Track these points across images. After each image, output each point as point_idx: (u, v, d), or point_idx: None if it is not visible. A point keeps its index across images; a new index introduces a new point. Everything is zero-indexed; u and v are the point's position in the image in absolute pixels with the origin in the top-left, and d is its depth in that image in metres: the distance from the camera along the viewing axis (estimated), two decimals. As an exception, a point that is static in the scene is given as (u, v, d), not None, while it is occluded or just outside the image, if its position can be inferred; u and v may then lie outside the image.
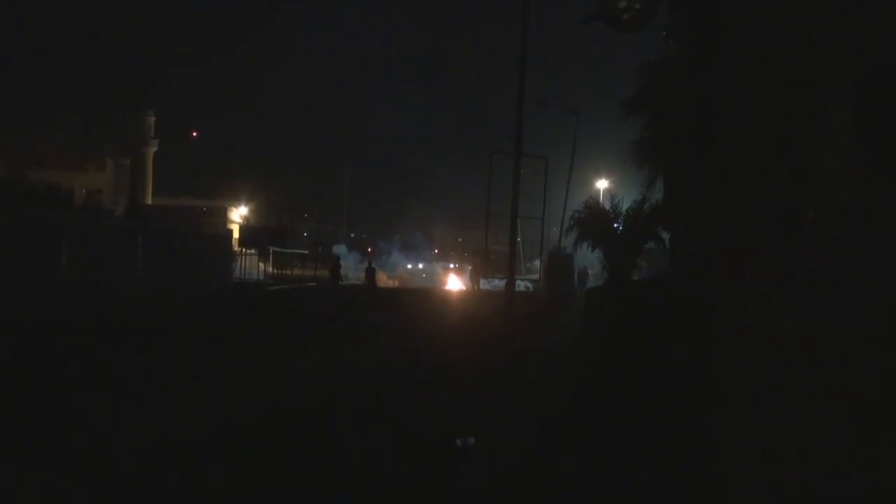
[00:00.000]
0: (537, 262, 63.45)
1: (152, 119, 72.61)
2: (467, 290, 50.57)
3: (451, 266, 73.33)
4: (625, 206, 26.99)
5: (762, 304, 5.03)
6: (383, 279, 61.58)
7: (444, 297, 41.42)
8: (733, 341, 5.35)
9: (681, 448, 7.07)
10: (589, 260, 35.52)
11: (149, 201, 69.01)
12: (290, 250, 55.43)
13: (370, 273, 36.29)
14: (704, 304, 6.33)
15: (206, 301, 28.73)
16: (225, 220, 68.62)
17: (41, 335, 16.25)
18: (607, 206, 27.96)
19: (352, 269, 52.28)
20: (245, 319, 22.40)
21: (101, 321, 19.40)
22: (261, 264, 53.31)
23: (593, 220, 27.14)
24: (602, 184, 56.83)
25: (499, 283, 49.70)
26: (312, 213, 77.69)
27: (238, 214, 73.83)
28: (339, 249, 60.71)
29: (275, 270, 54.78)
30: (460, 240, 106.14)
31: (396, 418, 10.02)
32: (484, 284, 48.27)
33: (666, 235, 24.44)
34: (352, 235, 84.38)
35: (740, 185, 5.17)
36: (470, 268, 51.44)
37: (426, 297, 38.78)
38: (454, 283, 61.35)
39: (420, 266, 75.14)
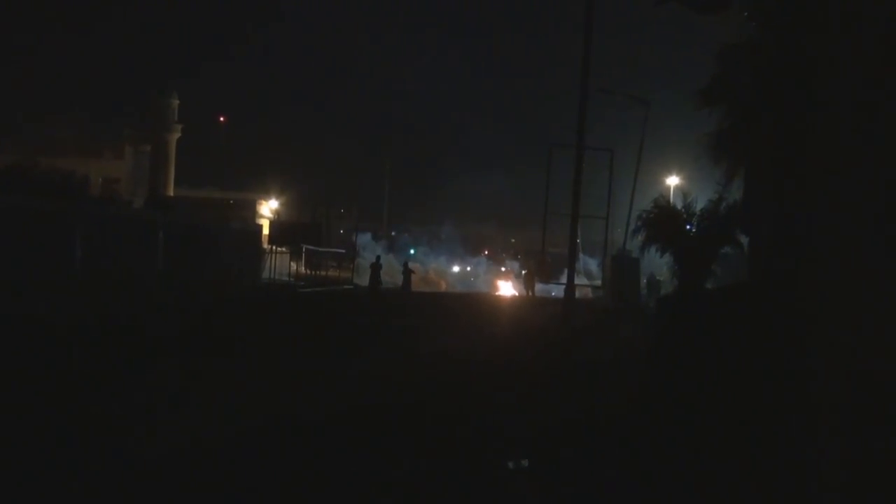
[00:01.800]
0: (591, 263, 63.19)
1: (176, 102, 73.17)
2: (521, 296, 50.48)
3: (503, 269, 73.33)
4: (698, 205, 27.12)
5: (869, 321, 4.90)
6: (432, 281, 61.77)
7: (495, 304, 41.33)
8: (833, 361, 5.23)
9: (772, 479, 6.94)
10: (657, 265, 35.26)
11: (170, 192, 69.69)
12: (324, 249, 55.49)
13: (406, 275, 36.46)
14: (800, 318, 6.20)
15: (234, 304, 28.92)
16: (254, 214, 69.12)
17: (43, 342, 16.24)
18: (679, 205, 28.38)
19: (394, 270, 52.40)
20: (277, 327, 22.39)
21: (111, 327, 19.54)
22: (292, 264, 53.51)
23: (663, 221, 27.62)
24: (673, 181, 56.34)
25: (556, 289, 49.64)
26: (349, 208, 77.79)
27: (268, 209, 74.24)
28: (363, 240, 60.76)
29: (308, 271, 54.97)
30: (513, 240, 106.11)
31: (446, 439, 10.07)
32: (540, 290, 48.12)
33: (745, 239, 24.39)
34: (392, 233, 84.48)
35: (846, 183, 5.05)
36: (524, 271, 51.31)
37: (475, 304, 38.72)
38: (506, 289, 61.37)
39: (468, 269, 75.15)
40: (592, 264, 63.99)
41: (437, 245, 76.57)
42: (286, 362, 15.70)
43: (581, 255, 57.20)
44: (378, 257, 38.65)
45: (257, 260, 43.78)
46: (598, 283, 46.03)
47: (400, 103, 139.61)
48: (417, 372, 15.03)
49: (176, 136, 73.44)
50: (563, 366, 16.90)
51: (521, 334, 24.92)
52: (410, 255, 68.01)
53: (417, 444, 9.70)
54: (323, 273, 55.05)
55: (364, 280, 51.82)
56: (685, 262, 26.70)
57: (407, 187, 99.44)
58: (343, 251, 58.22)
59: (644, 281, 38.01)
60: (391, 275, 38.91)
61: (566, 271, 28.42)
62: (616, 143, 39.43)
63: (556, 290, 53.02)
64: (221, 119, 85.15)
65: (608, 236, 36.66)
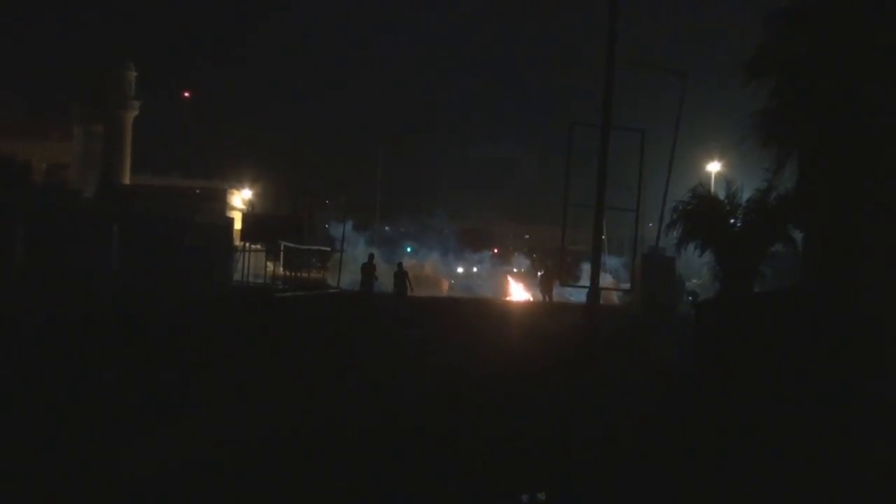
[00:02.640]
0: (616, 262, 63.12)
1: (133, 74, 72.87)
2: (536, 301, 50.28)
3: (515, 270, 73.20)
4: (744, 195, 26.94)
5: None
6: (430, 281, 61.44)
7: (507, 311, 41.17)
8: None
9: None
10: (695, 266, 35.13)
11: (126, 180, 69.56)
12: (306, 246, 55.24)
13: (399, 277, 36.16)
14: (870, 333, 6.12)
15: (199, 310, 28.78)
16: (224, 205, 69.06)
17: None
18: (721, 195, 28.19)
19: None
20: (249, 342, 21.88)
21: (51, 335, 19.37)
22: (269, 264, 53.43)
23: (703, 214, 27.43)
24: (714, 167, 56.40)
25: (575, 293, 49.30)
26: (336, 199, 77.11)
27: (241, 199, 74.15)
28: (340, 232, 60.34)
29: (287, 272, 54.88)
30: (527, 237, 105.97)
31: (459, 466, 10.26)
32: (557, 294, 47.80)
33: (799, 235, 24.31)
34: (386, 229, 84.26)
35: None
36: (540, 273, 50.95)
37: (484, 311, 38.63)
38: (519, 293, 61.24)
39: (474, 269, 75.02)
40: (618, 264, 63.93)
41: (436, 241, 76.16)
42: (255, 392, 15.01)
43: (605, 255, 57.05)
44: (371, 255, 38.24)
45: (228, 258, 43.75)
46: (626, 286, 45.72)
47: (394, 78, 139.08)
48: (426, 399, 15.08)
49: (133, 114, 73.07)
50: (586, 389, 16.70)
51: (540, 349, 24.75)
52: (407, 253, 67.67)
53: (428, 476, 9.86)
54: (305, 274, 55.01)
55: (347, 280, 51.81)
56: (728, 262, 26.55)
57: (402, 176, 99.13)
58: (328, 249, 57.90)
59: (685, 284, 37.64)
60: (386, 276, 38.55)
61: (589, 272, 28.09)
62: (648, 124, 38.81)
63: (576, 294, 52.93)
64: (185, 95, 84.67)
65: (638, 232, 36.31)
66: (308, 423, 12.41)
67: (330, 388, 15.55)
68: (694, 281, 38.69)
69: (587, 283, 29.09)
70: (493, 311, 39.56)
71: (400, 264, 37.36)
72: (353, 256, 56.05)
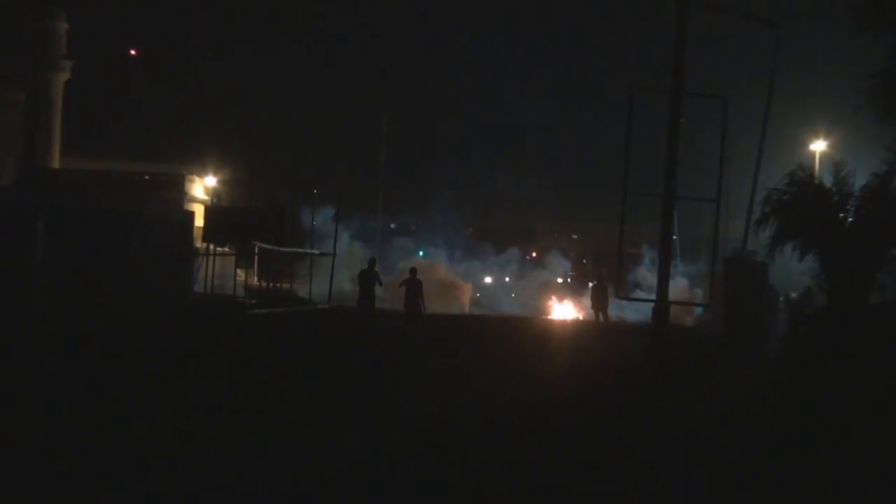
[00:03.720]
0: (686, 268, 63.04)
1: (63, 27, 72.74)
2: (587, 319, 50.16)
3: (560, 281, 73.08)
4: (857, 182, 26.53)
5: None
6: (448, 288, 61.14)
7: (548, 336, 40.94)
8: None
9: None
10: (793, 274, 34.77)
11: (55, 163, 69.51)
12: (289, 249, 54.80)
13: (411, 287, 35.59)
14: None
15: (145, 334, 28.67)
16: (182, 196, 68.87)
17: None
18: (827, 181, 27.83)
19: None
20: (207, 384, 21.04)
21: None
22: (240, 272, 53.36)
23: (804, 206, 27.17)
24: (818, 146, 55.87)
25: (628, 308, 50.00)
26: (330, 188, 74.81)
27: (203, 188, 74.02)
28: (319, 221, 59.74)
29: (262, 282, 54.74)
30: (575, 236, 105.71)
31: None
32: (615, 309, 47.69)
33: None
34: (392, 226, 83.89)
35: None
36: (592, 284, 50.76)
37: (516, 335, 38.39)
38: (564, 310, 61.17)
39: (507, 279, 74.90)
40: (691, 272, 64.14)
41: (453, 240, 75.46)
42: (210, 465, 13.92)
43: (675, 260, 56.88)
44: (373, 261, 37.44)
45: (186, 264, 43.66)
46: (701, 300, 45.52)
47: (403, 36, 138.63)
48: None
49: (63, 77, 72.66)
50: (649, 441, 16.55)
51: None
52: (420, 257, 67.53)
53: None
54: (286, 285, 54.67)
55: (322, 291, 51.83)
56: (837, 268, 26.02)
57: (408, 157, 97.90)
58: (316, 252, 57.09)
59: (780, 297, 37.13)
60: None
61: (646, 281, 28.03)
62: (732, 90, 38.15)
63: (633, 311, 52.68)
64: (132, 53, 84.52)
65: (720, 229, 35.99)
66: None
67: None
68: (792, 295, 38.16)
69: (652, 296, 29.09)
70: (530, 340, 38.96)
71: (413, 271, 36.34)
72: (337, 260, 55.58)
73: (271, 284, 53.91)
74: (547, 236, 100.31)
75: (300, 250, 57.09)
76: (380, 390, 21.85)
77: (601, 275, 48.81)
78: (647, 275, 63.19)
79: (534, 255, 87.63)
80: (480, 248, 77.28)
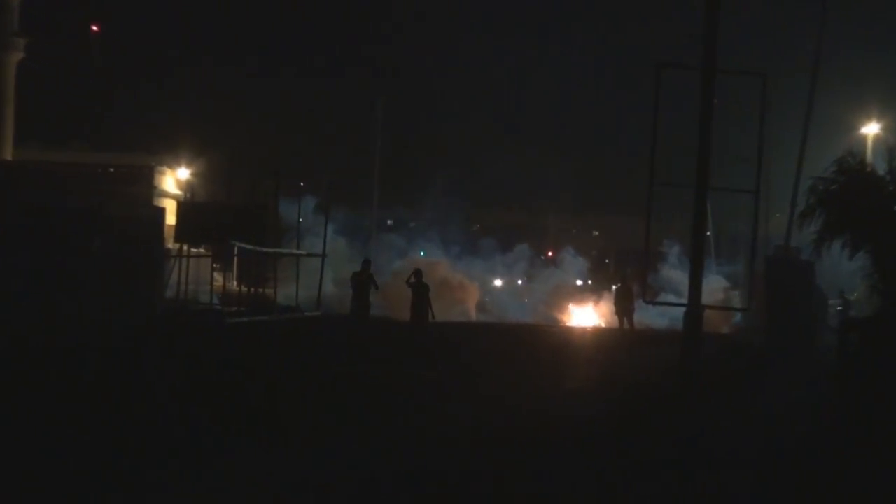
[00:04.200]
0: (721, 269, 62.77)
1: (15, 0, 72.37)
2: (611, 326, 49.93)
3: (580, 283, 72.73)
4: (916, 169, 26.46)
5: None
6: (452, 290, 60.55)
7: (566, 347, 40.68)
8: None
9: None
10: (843, 274, 34.67)
11: (7, 154, 69.25)
12: (272, 250, 54.43)
13: (418, 291, 35.17)
14: None
15: (110, 350, 28.34)
16: (151, 191, 68.65)
17: None
18: (880, 169, 28.07)
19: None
20: (185, 411, 20.29)
21: None
22: (217, 276, 53.09)
23: (854, 197, 27.32)
24: (871, 129, 55.33)
25: (654, 311, 50.27)
26: (320, 178, 74.08)
27: (175, 181, 73.77)
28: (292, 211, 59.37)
29: (242, 287, 54.46)
30: (596, 233, 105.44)
31: None
32: (642, 313, 47.34)
33: None
34: (389, 222, 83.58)
35: None
36: (615, 287, 50.53)
37: (533, 348, 38.18)
38: (584, 316, 60.94)
39: (519, 282, 74.50)
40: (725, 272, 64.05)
41: (452, 237, 74.94)
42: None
43: (709, 259, 56.66)
44: (367, 262, 36.93)
45: (156, 267, 43.39)
46: (739, 304, 45.16)
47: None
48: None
49: (16, 57, 72.25)
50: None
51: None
52: (421, 256, 67.21)
53: None
54: (269, 289, 54.20)
55: (308, 293, 51.73)
56: (892, 267, 26.18)
57: (406, 151, 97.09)
58: (303, 253, 56.67)
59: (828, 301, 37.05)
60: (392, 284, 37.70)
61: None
62: (774, 70, 38.04)
63: (659, 317, 53.24)
64: (95, 29, 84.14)
65: (760, 223, 35.63)
66: None
67: None
68: (844, 298, 38.04)
69: (681, 300, 28.84)
70: (548, 349, 38.86)
71: (418, 273, 35.71)
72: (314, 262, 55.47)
73: (252, 289, 53.38)
74: (564, 232, 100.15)
75: (285, 251, 56.34)
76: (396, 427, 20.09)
77: (625, 276, 49.01)
78: (671, 274, 62.80)
79: (549, 254, 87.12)
80: (485, 246, 76.66)
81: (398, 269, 56.35)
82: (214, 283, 52.97)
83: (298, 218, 62.53)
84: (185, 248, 49.02)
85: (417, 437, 18.76)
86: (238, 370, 27.15)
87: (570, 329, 53.70)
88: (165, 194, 68.36)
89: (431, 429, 19.46)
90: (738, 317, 46.93)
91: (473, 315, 62.80)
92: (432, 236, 74.62)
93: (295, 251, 57.62)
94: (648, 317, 50.47)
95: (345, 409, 21.59)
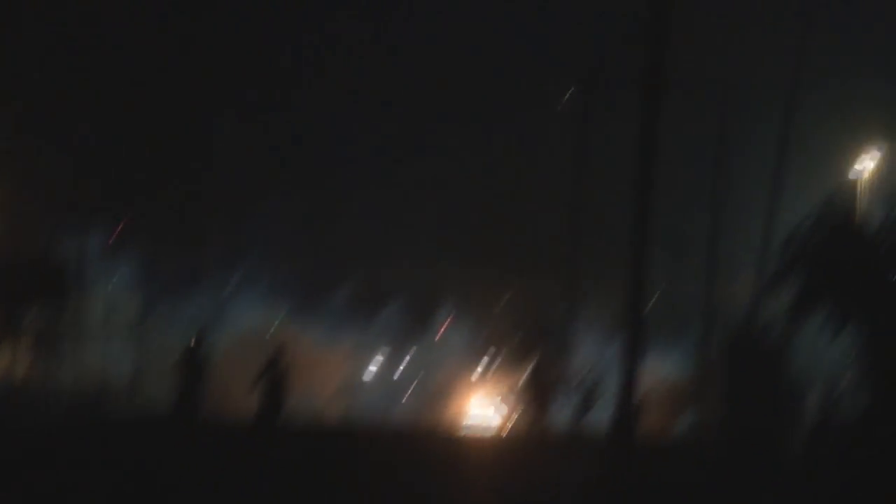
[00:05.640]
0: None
1: None
2: (517, 432, 46.01)
3: (480, 370, 65.35)
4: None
5: None
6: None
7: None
8: None
9: None
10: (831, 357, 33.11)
11: None
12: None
13: (271, 380, 27.20)
14: None
15: None
16: None
17: None
18: (875, 217, 26.43)
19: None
20: None
21: None
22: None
23: (840, 255, 24.81)
24: (864, 165, 52.43)
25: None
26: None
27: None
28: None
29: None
30: (503, 299, 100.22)
31: None
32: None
33: None
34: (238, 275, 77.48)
35: None
36: (525, 372, 44.65)
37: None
38: (483, 414, 55.49)
39: (404, 362, 66.50)
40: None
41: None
42: None
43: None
44: (202, 334, 29.71)
45: None
46: (687, 397, 43.07)
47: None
48: None
49: None
50: None
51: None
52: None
53: None
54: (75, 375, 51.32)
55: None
56: (884, 349, 23.29)
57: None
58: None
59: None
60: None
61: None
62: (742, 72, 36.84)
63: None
64: None
65: (714, 291, 32.11)
66: None
67: None
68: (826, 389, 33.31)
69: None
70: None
71: (280, 351, 28.62)
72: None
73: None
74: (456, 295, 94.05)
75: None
76: None
77: (542, 353, 44.92)
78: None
79: (448, 321, 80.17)
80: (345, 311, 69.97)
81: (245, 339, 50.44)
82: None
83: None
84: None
85: None
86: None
87: (462, 436, 48.38)
88: None
89: None
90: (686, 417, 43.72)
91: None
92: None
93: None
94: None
95: None
